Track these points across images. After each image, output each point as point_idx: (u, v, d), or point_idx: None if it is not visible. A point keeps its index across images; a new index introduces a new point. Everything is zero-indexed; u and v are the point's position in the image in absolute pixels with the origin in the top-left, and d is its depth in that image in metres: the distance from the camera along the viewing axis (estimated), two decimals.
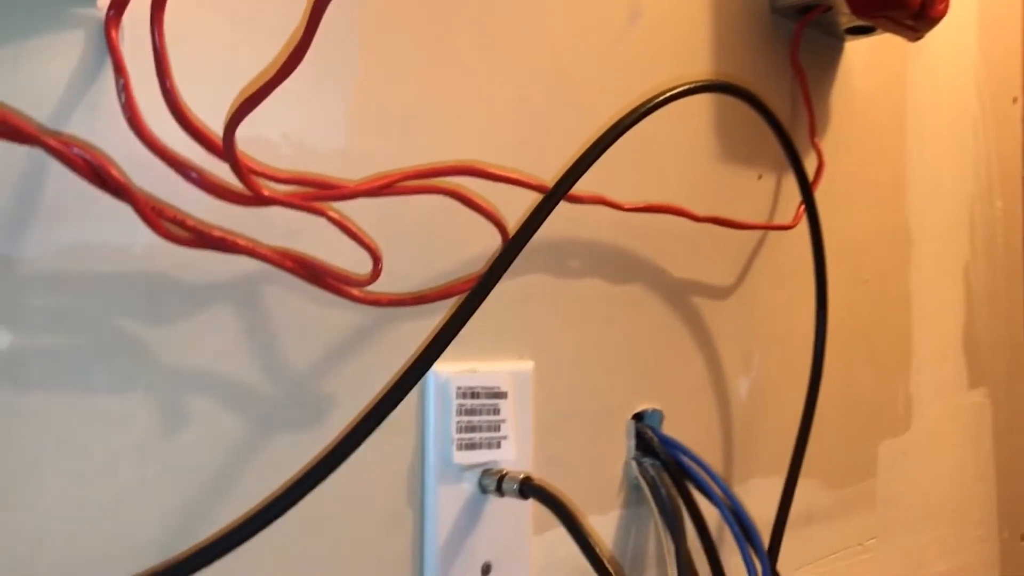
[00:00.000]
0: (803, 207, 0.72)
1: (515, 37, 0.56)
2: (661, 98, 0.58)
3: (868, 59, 0.87)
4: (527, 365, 0.57)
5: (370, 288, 0.46)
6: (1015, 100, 1.12)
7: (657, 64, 0.66)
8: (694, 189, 0.68)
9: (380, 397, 0.45)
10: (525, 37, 0.56)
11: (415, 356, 0.46)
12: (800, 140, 0.76)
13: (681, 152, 0.68)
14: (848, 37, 0.83)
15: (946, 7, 0.75)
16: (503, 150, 0.54)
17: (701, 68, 0.70)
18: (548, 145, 0.57)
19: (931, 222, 0.96)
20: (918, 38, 0.78)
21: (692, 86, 0.60)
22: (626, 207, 0.60)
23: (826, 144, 0.81)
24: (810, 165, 0.76)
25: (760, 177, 0.74)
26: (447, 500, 0.52)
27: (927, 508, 0.96)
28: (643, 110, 0.56)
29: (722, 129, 0.71)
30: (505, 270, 0.49)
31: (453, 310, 0.47)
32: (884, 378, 0.89)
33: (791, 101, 0.78)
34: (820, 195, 0.78)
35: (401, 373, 0.45)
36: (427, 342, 0.46)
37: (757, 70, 0.75)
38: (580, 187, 0.55)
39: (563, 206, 0.56)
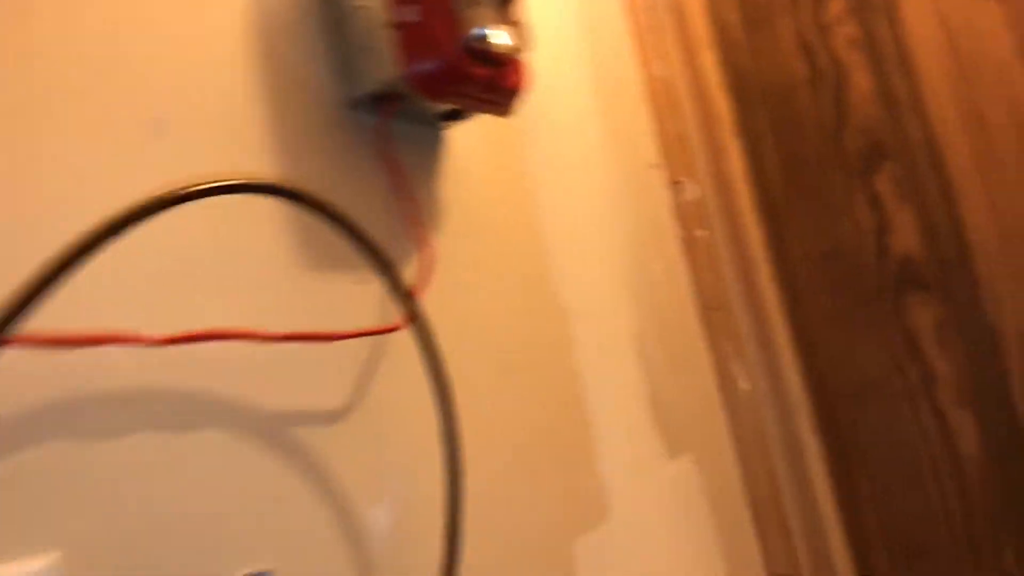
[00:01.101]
0: (410, 305, 0.65)
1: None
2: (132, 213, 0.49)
3: (480, 143, 0.84)
4: (45, 564, 0.45)
5: None
6: (653, 165, 1.14)
7: (204, 174, 0.58)
8: (274, 305, 0.60)
9: None
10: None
11: None
12: (407, 235, 0.71)
13: (249, 267, 0.60)
14: (445, 123, 0.79)
15: (520, 78, 0.73)
16: None
17: (265, 175, 0.63)
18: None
19: (587, 299, 0.93)
20: (507, 113, 0.75)
21: (200, 188, 0.51)
22: (156, 340, 0.50)
23: (445, 235, 0.75)
24: (421, 261, 0.70)
25: (359, 281, 0.67)
26: None
27: None
28: (103, 230, 0.46)
29: (305, 234, 0.64)
30: None
31: None
32: (567, 471, 0.83)
33: (391, 197, 0.72)
34: (447, 286, 0.72)
35: None
36: None
37: (342, 169, 0.69)
38: (91, 323, 0.45)
39: (68, 352, 0.46)
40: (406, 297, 0.64)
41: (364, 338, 0.65)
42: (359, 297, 0.66)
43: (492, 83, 0.70)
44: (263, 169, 0.63)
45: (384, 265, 0.63)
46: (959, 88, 1.16)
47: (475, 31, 0.68)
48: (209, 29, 0.63)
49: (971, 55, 1.15)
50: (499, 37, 0.69)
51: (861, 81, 1.19)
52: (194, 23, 0.62)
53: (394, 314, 0.67)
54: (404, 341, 0.67)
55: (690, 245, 1.15)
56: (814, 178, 1.20)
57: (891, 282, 1.15)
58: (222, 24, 0.64)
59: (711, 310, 1.12)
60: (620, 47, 1.16)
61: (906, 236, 1.15)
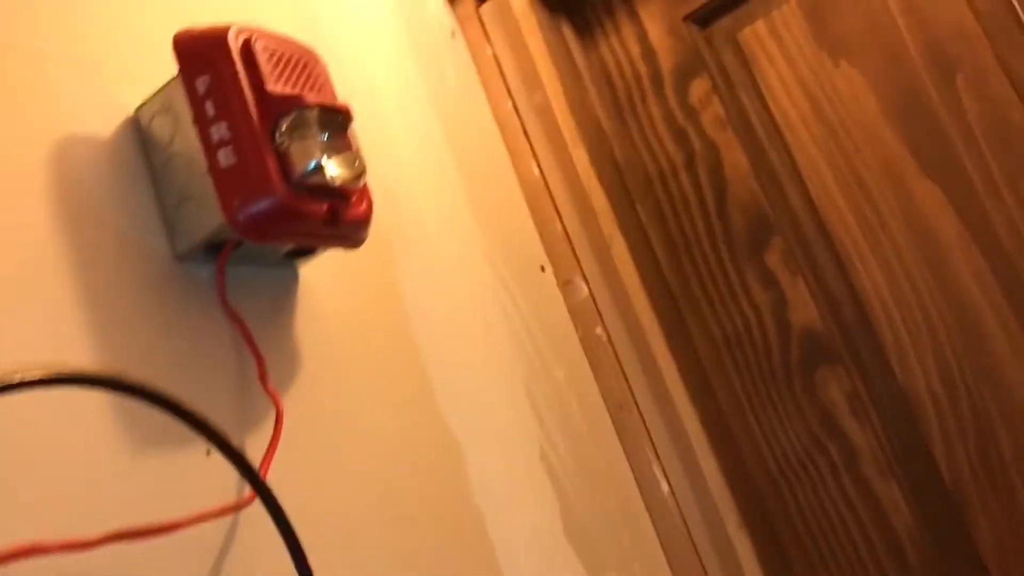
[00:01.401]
0: (253, 478, 0.58)
1: None
2: None
3: (340, 275, 0.78)
4: None
5: None
6: (543, 268, 1.10)
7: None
8: (104, 502, 0.53)
9: None
10: None
11: None
12: (257, 393, 0.64)
13: (68, 462, 0.53)
14: (295, 261, 0.73)
15: (363, 206, 0.68)
16: None
17: (84, 356, 0.56)
18: None
19: (483, 423, 0.87)
20: (356, 244, 0.70)
21: None
22: None
23: (302, 383, 0.69)
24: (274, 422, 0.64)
25: (209, 452, 0.60)
26: None
27: None
28: None
29: (134, 415, 0.57)
30: None
31: None
32: None
33: (233, 353, 0.66)
34: (305, 442, 0.66)
35: None
36: None
37: (175, 331, 0.62)
38: None
39: None
40: (250, 470, 0.57)
41: (210, 522, 0.57)
42: (202, 476, 0.59)
43: (333, 217, 0.65)
44: (82, 345, 0.57)
45: (220, 441, 0.56)
46: (833, 154, 1.15)
47: (307, 165, 0.63)
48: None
49: (839, 120, 1.15)
50: (334, 168, 0.64)
51: (736, 159, 1.17)
52: None
53: (240, 490, 0.60)
54: (257, 514, 0.60)
55: (590, 346, 1.10)
56: (705, 262, 1.18)
57: (797, 358, 1.12)
58: (17, 188, 0.58)
59: (621, 411, 1.07)
60: (492, 154, 1.14)
61: (804, 309, 1.13)
